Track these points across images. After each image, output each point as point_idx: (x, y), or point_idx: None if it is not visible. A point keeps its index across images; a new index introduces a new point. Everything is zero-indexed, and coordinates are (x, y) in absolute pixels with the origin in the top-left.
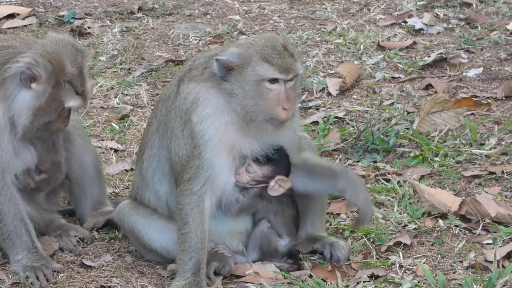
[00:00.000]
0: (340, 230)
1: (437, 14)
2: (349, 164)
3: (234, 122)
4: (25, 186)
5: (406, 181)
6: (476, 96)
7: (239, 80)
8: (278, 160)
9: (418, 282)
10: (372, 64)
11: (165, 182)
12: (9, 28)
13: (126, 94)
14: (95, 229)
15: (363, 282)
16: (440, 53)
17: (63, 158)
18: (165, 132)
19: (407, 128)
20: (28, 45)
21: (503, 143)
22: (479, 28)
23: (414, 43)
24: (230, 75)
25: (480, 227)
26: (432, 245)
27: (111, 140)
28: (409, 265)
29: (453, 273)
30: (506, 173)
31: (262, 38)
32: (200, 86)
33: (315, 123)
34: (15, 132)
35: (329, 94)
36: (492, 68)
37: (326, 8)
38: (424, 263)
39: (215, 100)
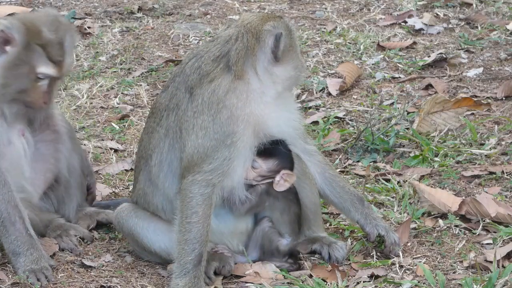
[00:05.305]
0: (340, 230)
1: (437, 14)
2: (349, 164)
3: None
4: None
5: (406, 181)
6: (476, 96)
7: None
8: (282, 154)
9: (418, 282)
10: (372, 64)
11: (175, 183)
12: None
13: (126, 94)
14: (91, 228)
15: (363, 282)
16: (440, 53)
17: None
18: (177, 135)
19: (407, 128)
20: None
21: (503, 143)
22: (479, 28)
23: (414, 43)
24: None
25: (480, 227)
26: (432, 245)
27: (111, 140)
28: (409, 265)
29: (453, 273)
30: (506, 173)
31: None
32: (226, 78)
33: (315, 123)
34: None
35: (329, 94)
36: (492, 68)
37: (326, 8)
38: (424, 263)
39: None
